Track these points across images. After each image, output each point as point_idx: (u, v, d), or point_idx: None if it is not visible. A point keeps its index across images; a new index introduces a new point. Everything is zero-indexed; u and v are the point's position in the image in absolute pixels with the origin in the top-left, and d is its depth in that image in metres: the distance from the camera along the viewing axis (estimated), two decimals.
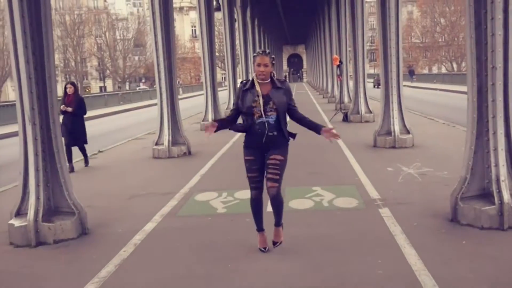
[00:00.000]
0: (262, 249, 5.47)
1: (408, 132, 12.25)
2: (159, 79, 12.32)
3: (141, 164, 11.81)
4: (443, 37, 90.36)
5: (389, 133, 12.22)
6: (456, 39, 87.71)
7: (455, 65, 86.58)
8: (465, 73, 34.53)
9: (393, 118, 12.12)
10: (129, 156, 13.13)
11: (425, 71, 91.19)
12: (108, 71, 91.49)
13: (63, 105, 10.72)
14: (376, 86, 47.57)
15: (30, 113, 5.97)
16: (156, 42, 12.20)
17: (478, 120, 5.96)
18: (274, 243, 5.48)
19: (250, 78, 5.25)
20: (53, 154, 6.27)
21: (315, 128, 5.28)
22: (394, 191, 7.86)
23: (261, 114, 5.08)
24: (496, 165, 5.85)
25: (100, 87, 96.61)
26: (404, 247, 5.34)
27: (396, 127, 12.11)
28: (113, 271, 5.11)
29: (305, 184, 8.54)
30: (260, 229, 5.51)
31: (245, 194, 7.99)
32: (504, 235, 5.62)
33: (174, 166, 11.34)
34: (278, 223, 5.47)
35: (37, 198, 6.07)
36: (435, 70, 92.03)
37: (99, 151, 14.18)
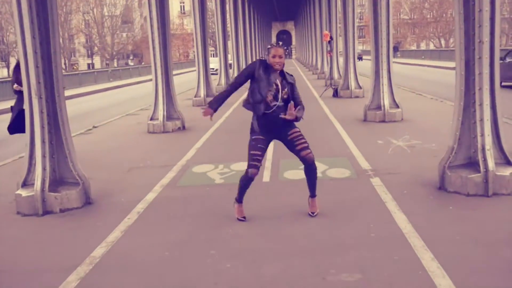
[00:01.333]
0: (242, 218, 5.73)
1: (397, 106, 12.55)
2: (154, 55, 12.49)
3: (136, 139, 12.04)
4: (431, 13, 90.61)
5: (379, 107, 12.52)
6: (444, 15, 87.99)
7: (443, 42, 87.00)
8: (453, 49, 34.93)
9: (383, 92, 12.41)
10: (124, 131, 13.35)
11: (413, 47, 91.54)
12: (96, 48, 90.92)
13: (16, 85, 9.33)
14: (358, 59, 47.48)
15: (36, 86, 6.17)
16: (151, 18, 12.34)
17: (465, 92, 6.25)
18: (312, 213, 5.70)
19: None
20: (58, 127, 6.50)
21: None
22: (384, 162, 8.17)
23: (275, 98, 5.34)
24: (482, 135, 6.15)
25: (88, 64, 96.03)
26: (394, 213, 5.65)
27: (386, 101, 12.40)
28: (120, 236, 5.39)
29: None
30: (241, 201, 5.79)
31: (241, 166, 8.25)
32: (488, 201, 5.95)
33: (169, 140, 11.58)
34: (314, 193, 5.70)
35: (43, 169, 6.30)
36: (423, 46, 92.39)
37: (94, 127, 14.38)
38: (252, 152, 5.50)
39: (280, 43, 5.46)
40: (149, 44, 12.65)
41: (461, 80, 6.27)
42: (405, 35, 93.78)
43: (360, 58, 49.56)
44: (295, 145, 5.50)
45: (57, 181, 6.53)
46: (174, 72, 47.29)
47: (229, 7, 30.33)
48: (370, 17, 12.67)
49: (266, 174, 7.76)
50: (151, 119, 12.74)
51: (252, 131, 5.55)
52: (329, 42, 21.25)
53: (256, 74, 5.36)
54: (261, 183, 7.26)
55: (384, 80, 12.36)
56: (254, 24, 48.40)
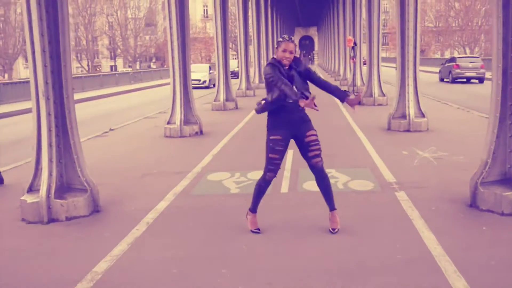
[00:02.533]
0: (256, 230, 5.39)
1: (423, 115, 12.07)
2: (172, 58, 12.18)
3: (152, 143, 11.72)
4: (456, 21, 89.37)
5: (403, 116, 12.04)
6: (470, 23, 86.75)
7: (468, 50, 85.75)
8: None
9: (408, 101, 11.93)
10: (141, 135, 13.05)
11: (437, 55, 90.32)
12: (119, 50, 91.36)
13: None
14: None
15: (44, 87, 5.86)
16: (170, 19, 12.04)
17: (502, 103, 5.78)
18: (333, 230, 5.29)
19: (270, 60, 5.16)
20: (66, 130, 6.18)
21: (341, 94, 5.14)
22: (409, 174, 7.72)
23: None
24: None
25: (111, 66, 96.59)
26: (422, 232, 5.21)
27: (411, 110, 11.92)
28: (126, 250, 5.03)
29: None
30: (255, 211, 5.45)
31: (258, 174, 7.80)
32: None
33: (186, 145, 11.24)
34: (333, 206, 5.32)
35: (50, 174, 5.98)
36: (447, 54, 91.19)
37: (110, 129, 14.11)
38: (270, 155, 5.14)
39: (293, 37, 5.13)
40: (167, 46, 12.35)
41: (497, 89, 5.80)
42: (429, 43, 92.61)
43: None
44: (308, 150, 5.16)
45: (64, 187, 6.21)
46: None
47: (251, 11, 30.04)
48: (397, 23, 12.21)
49: (284, 184, 7.36)
50: (168, 123, 12.43)
51: (270, 129, 5.18)
52: (353, 48, 20.80)
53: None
54: (279, 194, 6.88)
55: (410, 88, 11.88)
56: (277, 29, 48.05)
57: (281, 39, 5.06)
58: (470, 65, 31.38)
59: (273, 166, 5.15)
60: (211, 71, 36.73)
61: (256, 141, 11.25)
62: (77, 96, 26.24)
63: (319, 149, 5.16)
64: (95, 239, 5.42)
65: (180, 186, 7.45)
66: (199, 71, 36.23)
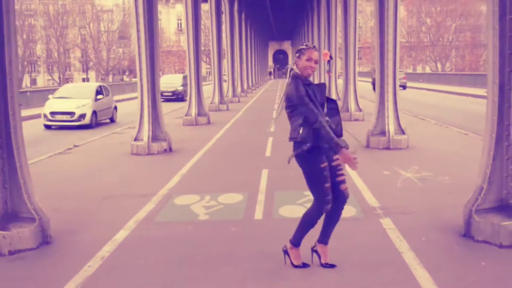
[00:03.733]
0: (303, 265, 4.68)
1: (403, 132, 11.57)
2: (140, 70, 11.48)
3: (118, 161, 10.96)
4: (428, 37, 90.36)
5: (383, 133, 11.53)
6: (441, 39, 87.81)
7: (439, 65, 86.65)
8: (450, 73, 34.59)
9: (388, 117, 11.42)
10: (106, 152, 12.26)
11: (410, 70, 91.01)
12: (91, 63, 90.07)
13: None
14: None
15: None
16: (138, 30, 11.36)
17: (498, 123, 5.24)
18: (326, 265, 4.69)
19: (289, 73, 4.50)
20: (11, 151, 5.44)
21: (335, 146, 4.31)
22: (393, 198, 7.15)
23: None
24: None
25: (83, 79, 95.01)
26: (415, 268, 4.60)
27: (391, 127, 11.41)
28: None
29: (295, 188, 7.75)
30: (299, 244, 4.70)
31: (230, 198, 7.29)
32: None
33: (153, 164, 10.51)
34: (328, 240, 4.70)
35: None
36: (419, 69, 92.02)
37: (74, 146, 13.28)
38: (326, 185, 4.40)
39: (315, 46, 4.51)
40: (135, 57, 11.67)
41: (493, 107, 5.26)
42: (402, 58, 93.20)
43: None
44: (336, 174, 4.48)
45: (9, 216, 5.46)
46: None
47: (225, 25, 29.52)
48: (376, 37, 11.75)
49: (258, 209, 6.70)
50: (135, 139, 11.69)
51: (315, 156, 4.37)
52: (329, 62, 20.29)
53: (306, 90, 4.37)
54: (253, 222, 6.22)
55: (390, 104, 11.38)
56: (251, 42, 47.71)
57: (304, 47, 4.44)
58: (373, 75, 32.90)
59: (329, 196, 4.41)
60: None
61: (228, 159, 10.63)
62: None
63: (344, 174, 4.55)
64: (39, 279, 4.68)
65: (144, 211, 6.74)
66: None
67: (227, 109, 23.94)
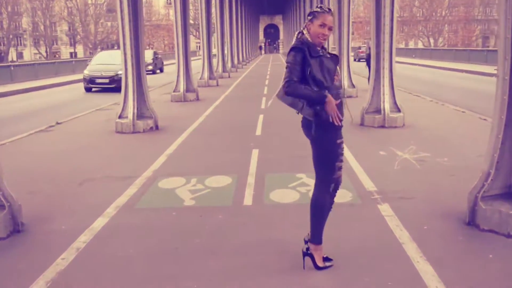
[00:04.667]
0: (328, 265, 4.17)
1: (398, 110, 11.13)
2: (124, 44, 10.93)
3: (101, 140, 10.48)
4: (421, 11, 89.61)
5: (378, 111, 11.09)
6: (434, 14, 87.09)
7: (432, 41, 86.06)
8: (444, 48, 34.36)
9: (383, 94, 10.99)
10: (89, 130, 11.76)
11: (402, 45, 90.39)
12: (78, 37, 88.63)
13: None
14: (356, 60, 46.60)
15: None
16: (121, 1, 10.78)
17: (509, 103, 4.81)
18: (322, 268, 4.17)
19: (297, 41, 3.91)
20: None
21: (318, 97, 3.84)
22: (391, 181, 6.74)
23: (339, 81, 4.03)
24: None
25: (71, 53, 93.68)
26: (417, 262, 4.21)
27: (387, 104, 10.98)
28: None
29: (287, 170, 7.38)
30: (321, 240, 4.14)
31: (218, 181, 6.85)
32: None
33: (138, 143, 10.04)
34: (321, 237, 4.19)
35: None
36: (411, 45, 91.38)
37: (57, 123, 12.77)
38: (338, 164, 3.97)
39: (331, 9, 3.93)
40: (118, 31, 11.11)
41: (504, 86, 4.82)
42: None
43: (360, 59, 47.65)
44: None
45: None
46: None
47: None
48: (372, 10, 11.23)
49: (248, 194, 6.27)
50: (120, 117, 11.19)
51: (330, 129, 3.89)
52: None
53: (311, 62, 3.81)
54: (242, 208, 5.80)
55: (386, 81, 10.93)
56: (241, 16, 46.85)
57: (318, 9, 3.86)
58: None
59: (337, 175, 4.00)
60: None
61: (217, 138, 10.19)
62: (28, 85, 24.60)
63: (343, 160, 4.09)
64: (6, 273, 4.24)
65: (125, 196, 6.29)
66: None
67: (217, 85, 23.40)
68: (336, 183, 4.07)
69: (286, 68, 3.82)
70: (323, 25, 3.81)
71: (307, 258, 4.11)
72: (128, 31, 10.79)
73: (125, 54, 10.95)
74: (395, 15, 10.81)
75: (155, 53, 40.30)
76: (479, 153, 8.12)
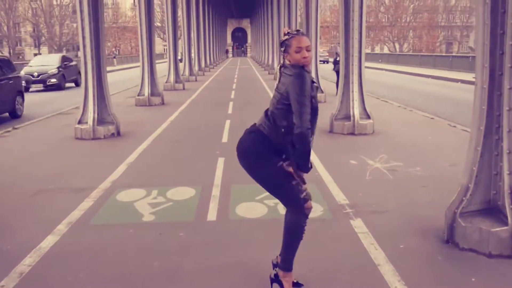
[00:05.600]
0: (301, 286, 3.83)
1: (368, 117, 10.89)
2: (84, 46, 10.43)
3: (59, 147, 9.93)
4: (386, 17, 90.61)
5: (347, 117, 10.82)
6: (399, 19, 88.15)
7: (397, 46, 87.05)
8: (410, 54, 35.01)
9: (352, 100, 10.72)
10: (47, 136, 11.18)
11: (368, 50, 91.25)
12: (43, 38, 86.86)
13: None
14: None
15: None
16: (80, 2, 10.26)
17: (488, 113, 4.53)
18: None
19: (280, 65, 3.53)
20: None
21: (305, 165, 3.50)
22: (364, 193, 6.43)
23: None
24: (510, 172, 4.46)
25: (35, 54, 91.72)
26: (395, 286, 3.87)
27: (356, 110, 10.71)
28: None
29: (253, 181, 6.98)
30: (292, 267, 3.76)
31: (180, 192, 6.45)
32: None
33: (98, 150, 9.53)
34: (292, 264, 3.80)
35: None
36: (377, 50, 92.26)
37: (14, 128, 12.17)
38: (294, 182, 3.51)
39: (299, 30, 3.55)
40: (78, 32, 10.61)
41: (482, 96, 4.54)
42: None
43: (325, 62, 50.33)
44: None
45: None
46: (125, 65, 44.78)
47: (181, 1, 28.29)
48: (341, 14, 10.96)
49: (212, 207, 5.87)
50: (79, 122, 10.66)
51: (269, 154, 3.51)
52: None
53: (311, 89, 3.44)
54: (204, 224, 5.39)
55: (355, 86, 10.67)
56: (208, 19, 46.42)
57: (286, 36, 3.44)
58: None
59: (303, 192, 3.53)
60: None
61: (182, 146, 9.75)
62: None
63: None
64: None
65: (79, 210, 5.83)
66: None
67: (183, 89, 22.93)
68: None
69: (297, 103, 3.29)
70: (299, 50, 3.41)
71: (276, 285, 3.74)
72: (88, 33, 10.29)
73: (85, 56, 10.44)
74: (364, 19, 10.57)
75: (64, 59, 27.85)
76: (451, 161, 7.96)
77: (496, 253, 4.39)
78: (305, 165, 3.41)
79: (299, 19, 22.64)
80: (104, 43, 10.85)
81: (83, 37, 10.33)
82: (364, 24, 10.67)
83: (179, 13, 26.93)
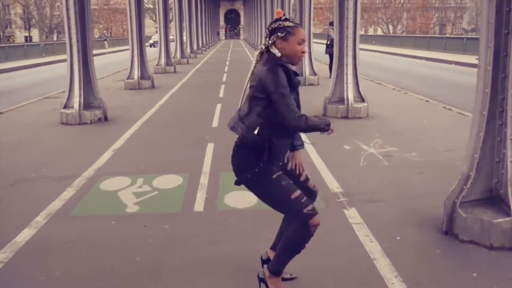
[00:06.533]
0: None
1: (362, 100, 10.61)
2: (69, 28, 10.05)
3: (43, 132, 9.61)
4: None
5: (341, 100, 10.54)
6: (393, 1, 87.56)
7: (391, 27, 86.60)
8: (404, 35, 34.85)
9: (347, 83, 10.43)
10: (32, 121, 10.84)
11: (361, 32, 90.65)
12: (33, 20, 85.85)
13: None
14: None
15: None
16: None
17: (491, 96, 4.25)
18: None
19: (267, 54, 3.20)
20: None
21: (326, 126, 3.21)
22: (358, 180, 6.17)
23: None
24: None
25: (26, 37, 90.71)
26: (392, 284, 3.63)
27: (350, 94, 10.43)
28: None
29: None
30: (281, 272, 3.45)
31: (167, 181, 6.18)
32: None
33: (83, 136, 9.21)
34: (283, 268, 3.50)
35: None
36: (371, 31, 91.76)
37: None
38: (293, 196, 3.13)
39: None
40: (62, 13, 10.23)
41: (486, 78, 4.26)
42: None
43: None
44: (296, 175, 3.45)
45: None
46: (116, 48, 44.20)
47: None
48: None
49: (199, 197, 5.60)
50: (65, 107, 10.32)
51: (265, 166, 3.14)
52: None
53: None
54: (191, 215, 5.12)
55: (349, 69, 10.37)
56: (201, 1, 45.79)
57: (290, 24, 3.11)
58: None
59: (303, 201, 3.14)
60: None
61: (170, 131, 9.45)
62: None
63: (304, 170, 3.54)
64: None
65: (60, 200, 5.54)
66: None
67: (175, 71, 22.53)
68: (313, 197, 3.50)
69: (276, 100, 3.02)
70: (302, 42, 3.12)
71: (264, 285, 3.48)
72: (74, 14, 9.91)
73: (70, 38, 10.07)
74: None
75: None
76: (448, 146, 7.72)
77: (498, 245, 4.15)
78: (321, 129, 3.09)
79: (292, 1, 22.18)
80: (90, 25, 10.48)
81: (68, 18, 9.94)
82: (359, 4, 10.33)
83: None
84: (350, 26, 10.18)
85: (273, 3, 27.66)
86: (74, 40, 10.05)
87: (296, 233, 3.20)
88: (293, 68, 3.19)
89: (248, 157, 3.14)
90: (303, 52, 3.14)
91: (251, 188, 3.24)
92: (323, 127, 3.08)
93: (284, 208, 3.24)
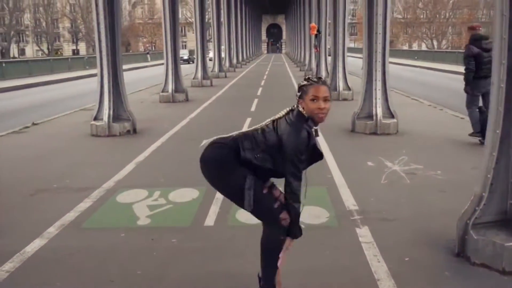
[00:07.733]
0: None
1: (392, 116, 10.43)
2: (99, 41, 10.28)
3: (72, 144, 9.79)
4: (425, 13, 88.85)
5: (370, 116, 10.39)
6: (437, 16, 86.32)
7: (435, 43, 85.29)
8: (446, 50, 34.06)
9: (375, 99, 10.28)
10: (64, 132, 11.09)
11: (405, 47, 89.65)
12: (80, 34, 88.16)
13: None
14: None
15: None
16: None
17: (505, 114, 4.11)
18: None
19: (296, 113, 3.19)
20: None
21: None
22: (376, 198, 6.04)
23: None
24: None
25: (73, 50, 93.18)
26: None
27: (379, 109, 10.27)
28: None
29: None
30: (274, 284, 3.42)
31: (183, 194, 6.20)
32: None
33: (110, 148, 9.35)
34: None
35: None
36: (415, 46, 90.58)
37: (33, 123, 12.13)
38: (265, 191, 3.29)
39: (321, 77, 3.23)
40: (94, 26, 10.45)
41: (499, 95, 4.11)
42: (398, 35, 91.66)
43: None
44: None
45: None
46: (158, 61, 44.69)
47: None
48: (364, 8, 10.53)
49: (212, 211, 5.58)
50: (95, 118, 10.53)
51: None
52: (316, 36, 19.10)
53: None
54: (200, 229, 5.10)
55: (378, 84, 10.23)
56: (241, 15, 46.16)
57: (305, 82, 3.16)
58: None
59: (277, 202, 3.25)
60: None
61: (195, 145, 9.40)
62: (19, 82, 24.06)
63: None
64: None
65: (75, 212, 5.61)
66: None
67: (211, 85, 22.74)
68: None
69: (289, 160, 3.09)
70: (315, 99, 3.09)
71: None
72: (104, 28, 10.13)
73: (100, 51, 10.30)
74: (389, 13, 10.11)
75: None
76: (474, 164, 7.46)
77: (510, 270, 3.97)
78: (295, 224, 3.26)
79: (328, 20, 22.11)
80: (120, 38, 10.67)
81: (99, 32, 10.18)
82: (388, 19, 10.21)
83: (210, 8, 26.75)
84: (380, 40, 10.06)
85: (311, 18, 27.68)
86: (104, 53, 10.26)
87: (269, 234, 3.27)
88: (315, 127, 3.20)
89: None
90: (320, 109, 3.09)
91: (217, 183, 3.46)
92: (296, 230, 3.26)
93: (263, 213, 3.31)
